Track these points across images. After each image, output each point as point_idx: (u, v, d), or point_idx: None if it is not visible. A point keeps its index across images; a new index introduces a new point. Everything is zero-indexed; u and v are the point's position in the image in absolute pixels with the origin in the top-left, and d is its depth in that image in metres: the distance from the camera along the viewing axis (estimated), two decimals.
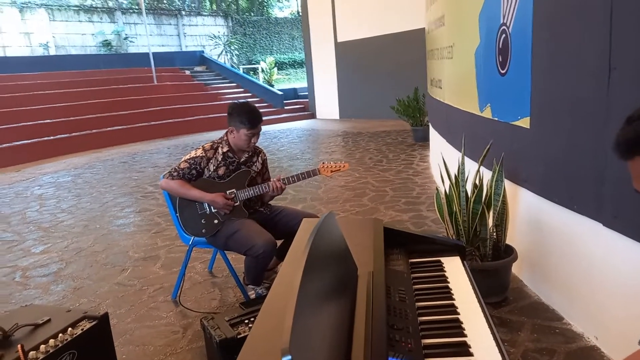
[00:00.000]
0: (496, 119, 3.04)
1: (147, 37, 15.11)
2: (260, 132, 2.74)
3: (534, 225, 2.66)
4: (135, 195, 5.84)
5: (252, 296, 2.72)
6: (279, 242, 2.68)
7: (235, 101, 2.77)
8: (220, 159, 2.70)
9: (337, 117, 13.38)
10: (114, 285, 3.19)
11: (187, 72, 15.44)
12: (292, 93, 15.72)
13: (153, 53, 13.65)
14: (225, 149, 2.71)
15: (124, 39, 19.15)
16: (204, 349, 2.22)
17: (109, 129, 10.72)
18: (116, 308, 2.83)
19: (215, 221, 2.68)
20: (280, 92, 14.70)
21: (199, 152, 2.69)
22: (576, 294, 2.31)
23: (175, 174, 2.65)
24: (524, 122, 2.61)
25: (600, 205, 2.00)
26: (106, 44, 18.61)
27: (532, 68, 2.50)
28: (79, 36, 18.46)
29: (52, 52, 17.37)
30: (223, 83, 15.41)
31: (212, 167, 2.69)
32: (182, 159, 2.71)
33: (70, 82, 12.21)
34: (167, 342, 2.43)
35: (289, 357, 0.59)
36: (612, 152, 0.77)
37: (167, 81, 13.94)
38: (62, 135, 9.92)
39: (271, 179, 2.85)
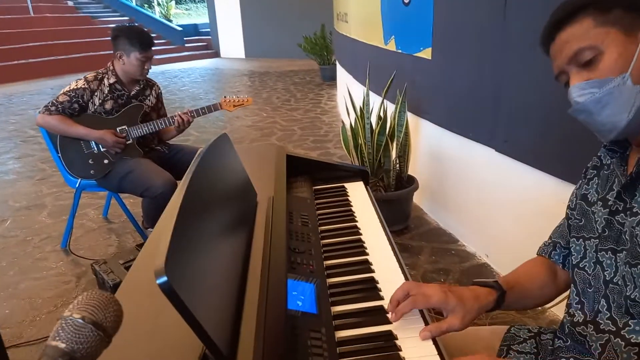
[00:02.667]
0: (400, 51, 3.04)
1: None
2: (156, 69, 2.48)
3: (434, 156, 2.76)
4: (14, 140, 5.19)
5: None
6: (179, 183, 2.51)
7: (120, 24, 2.45)
8: (106, 92, 2.41)
9: (243, 56, 12.80)
10: None
11: (70, 3, 13.67)
12: (193, 29, 14.70)
13: None
14: (112, 80, 2.42)
15: None
16: None
17: None
18: None
19: (105, 161, 2.43)
20: (179, 28, 13.64)
21: (81, 83, 2.38)
22: (469, 217, 2.47)
23: (53, 108, 2.33)
24: (426, 53, 2.63)
25: (493, 132, 2.09)
26: None
27: None
28: None
29: None
30: (113, 16, 13.88)
31: (97, 101, 2.40)
32: (61, 92, 2.38)
33: None
34: (58, 292, 2.23)
35: (165, 278, 0.50)
36: (541, 44, 0.77)
37: (47, 13, 12.22)
38: None
39: (168, 115, 2.62)
